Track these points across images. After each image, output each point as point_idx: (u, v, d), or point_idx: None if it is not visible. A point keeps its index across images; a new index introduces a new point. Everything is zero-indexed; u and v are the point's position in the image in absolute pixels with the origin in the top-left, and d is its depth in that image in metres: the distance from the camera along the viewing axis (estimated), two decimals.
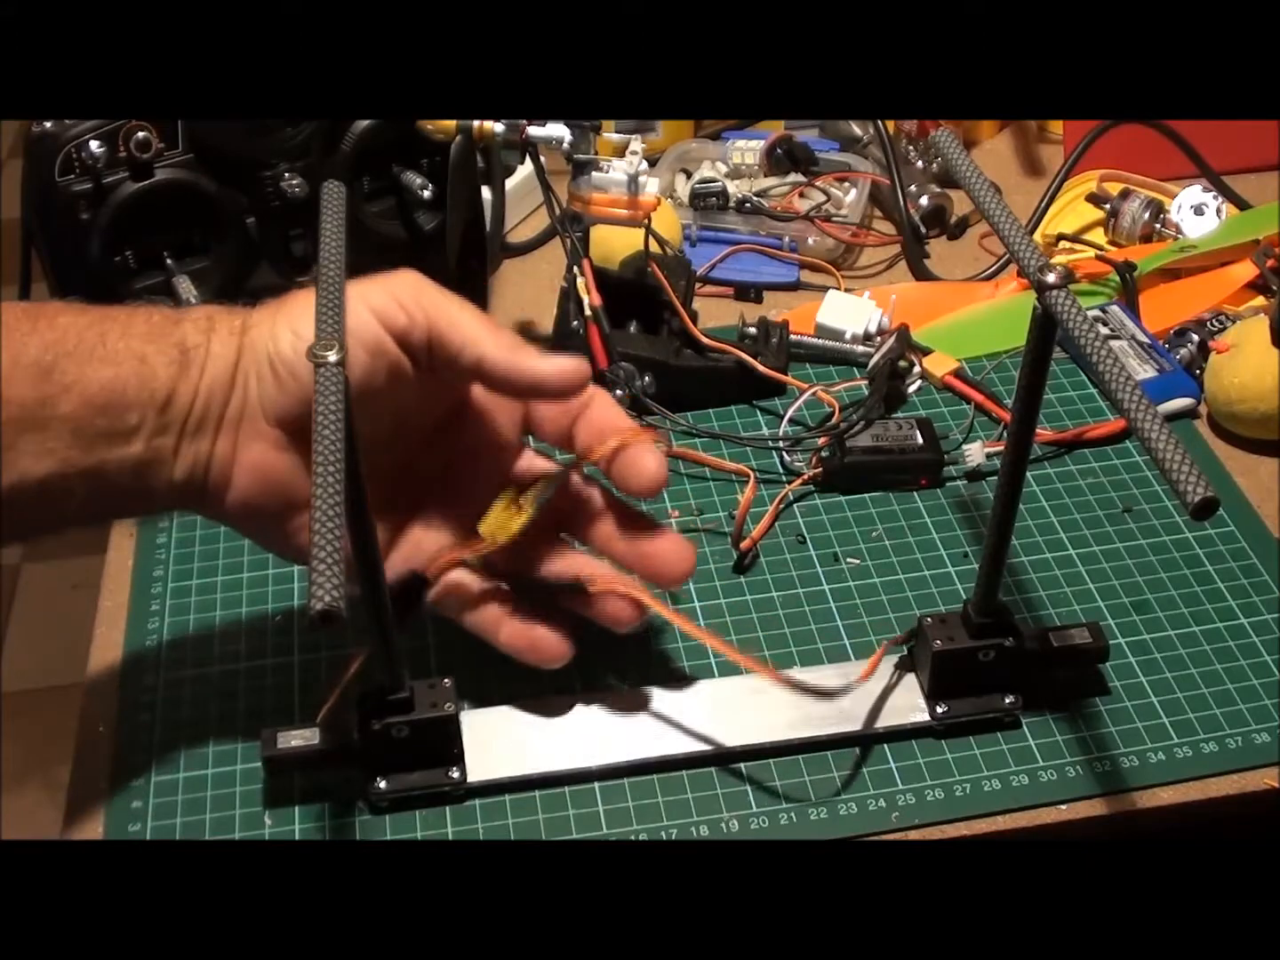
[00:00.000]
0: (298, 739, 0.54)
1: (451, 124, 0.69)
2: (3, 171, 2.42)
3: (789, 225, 0.86)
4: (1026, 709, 0.59)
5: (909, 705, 0.58)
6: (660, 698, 0.60)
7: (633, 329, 0.75)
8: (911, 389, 0.76)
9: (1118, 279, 0.81)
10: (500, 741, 0.58)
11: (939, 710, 0.58)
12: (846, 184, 0.90)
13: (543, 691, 0.60)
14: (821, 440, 0.72)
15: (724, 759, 0.58)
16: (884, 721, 0.58)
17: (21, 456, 0.47)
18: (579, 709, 0.59)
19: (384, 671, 0.53)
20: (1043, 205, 0.88)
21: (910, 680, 0.59)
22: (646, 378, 0.71)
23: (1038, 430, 0.72)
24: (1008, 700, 0.58)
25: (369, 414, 0.48)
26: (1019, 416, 0.52)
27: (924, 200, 0.89)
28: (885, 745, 0.58)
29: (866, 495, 0.70)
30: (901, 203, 0.87)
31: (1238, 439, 0.73)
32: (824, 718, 0.58)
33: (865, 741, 0.58)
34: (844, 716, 0.58)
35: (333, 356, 0.43)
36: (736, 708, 0.59)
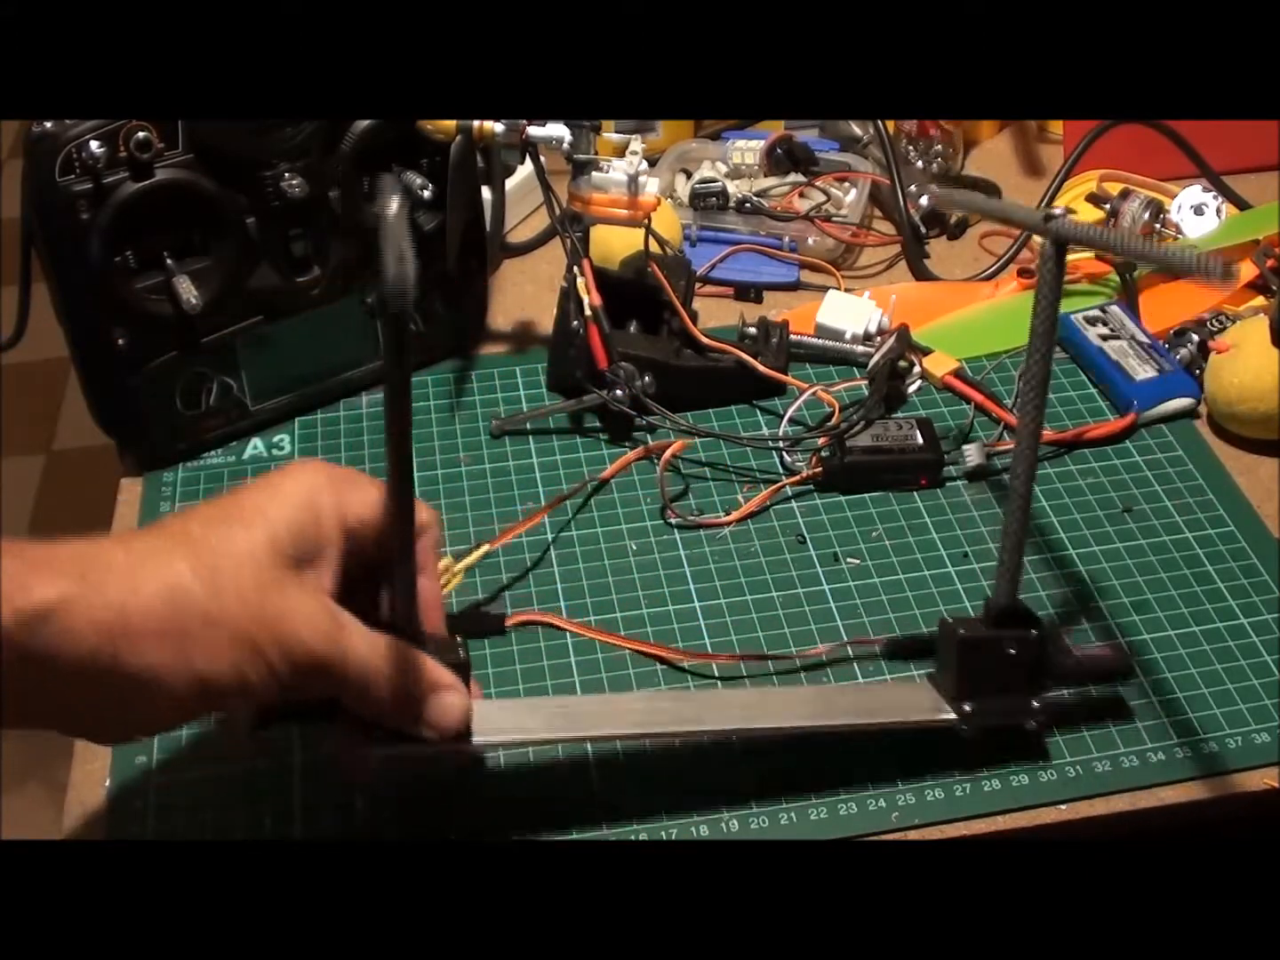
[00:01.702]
0: None
1: (451, 124, 0.69)
2: (3, 171, 2.42)
3: (789, 225, 0.86)
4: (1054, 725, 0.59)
5: (932, 706, 0.57)
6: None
7: (633, 329, 0.75)
8: (911, 389, 0.76)
9: (1118, 279, 0.81)
10: (504, 717, 0.55)
11: (965, 709, 0.56)
12: (846, 184, 0.90)
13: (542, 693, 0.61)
14: (821, 440, 0.72)
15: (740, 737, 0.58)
16: (906, 716, 0.57)
17: None
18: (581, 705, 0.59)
19: (403, 621, 0.51)
20: (1043, 205, 0.88)
21: (928, 688, 0.58)
22: (646, 378, 0.71)
23: None
24: (1035, 705, 0.57)
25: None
26: (1036, 361, 0.51)
27: (924, 200, 0.89)
28: (885, 745, 0.58)
29: (866, 495, 0.70)
30: (901, 203, 0.87)
31: (1238, 439, 0.73)
32: (845, 710, 0.57)
33: (885, 738, 0.58)
34: (864, 714, 0.57)
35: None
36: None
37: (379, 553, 0.51)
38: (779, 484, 0.71)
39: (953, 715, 0.57)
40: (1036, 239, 0.86)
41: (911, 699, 0.58)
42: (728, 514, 0.69)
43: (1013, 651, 0.56)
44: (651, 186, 0.70)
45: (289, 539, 0.48)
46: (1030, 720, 0.57)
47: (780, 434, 0.74)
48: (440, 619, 0.54)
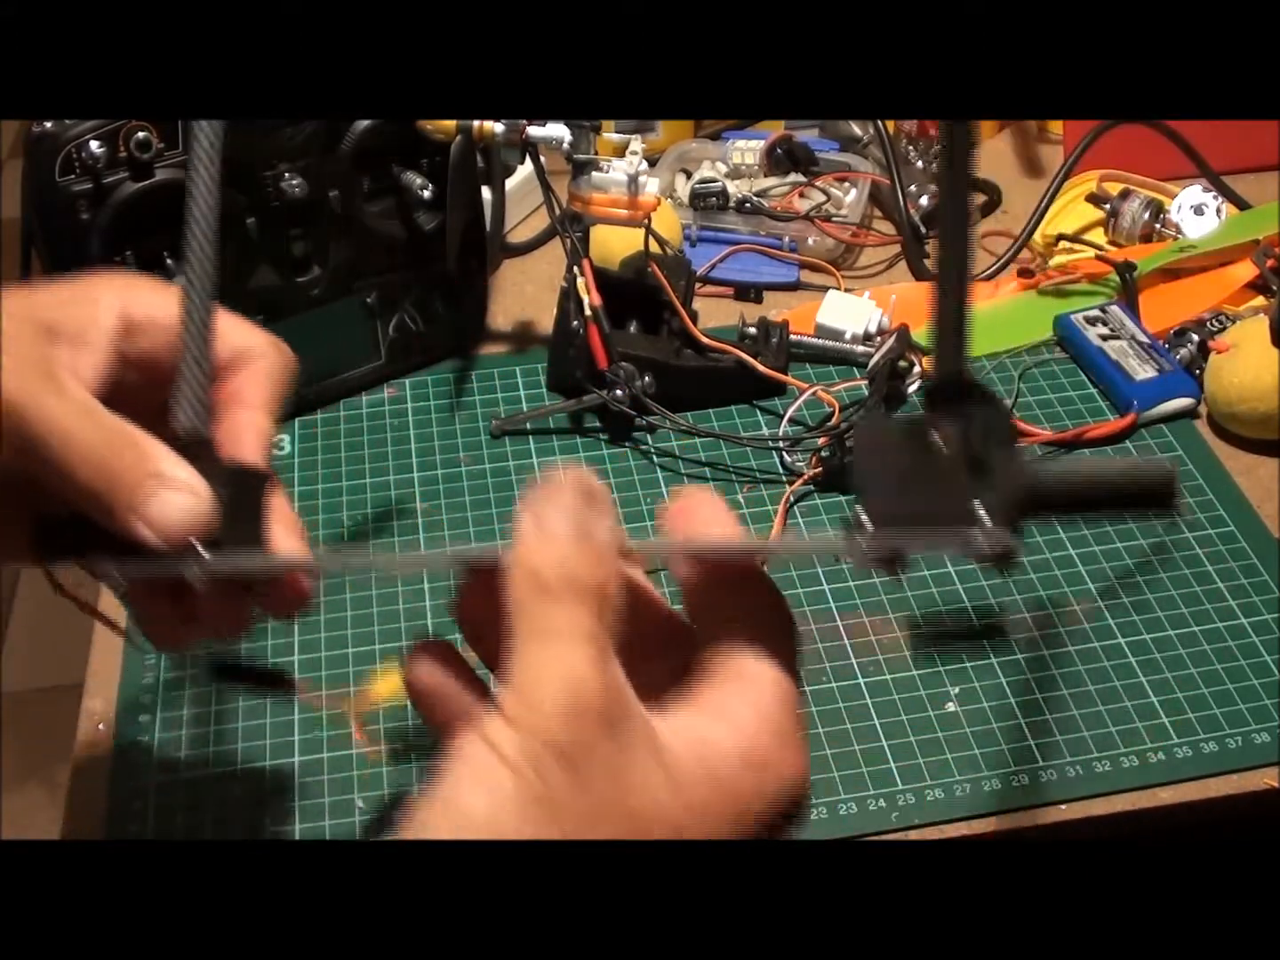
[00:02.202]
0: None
1: (451, 124, 0.69)
2: (3, 171, 2.42)
3: (789, 225, 0.86)
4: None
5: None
6: None
7: (633, 329, 0.75)
8: (911, 389, 0.76)
9: (1118, 279, 0.81)
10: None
11: (863, 522, 0.34)
12: (846, 184, 0.90)
13: None
14: (821, 440, 0.72)
15: None
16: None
17: None
18: None
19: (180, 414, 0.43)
20: (1043, 205, 0.88)
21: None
22: (646, 378, 0.72)
23: (1037, 430, 0.72)
24: (975, 507, 0.33)
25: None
26: None
27: (924, 200, 0.89)
28: (885, 744, 0.58)
29: None
30: (901, 203, 0.87)
31: (1238, 439, 0.73)
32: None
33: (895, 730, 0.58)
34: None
35: None
36: None
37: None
38: (785, 494, 0.70)
39: (840, 542, 0.36)
40: (1037, 239, 0.86)
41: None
42: None
43: (940, 441, 0.34)
44: (651, 186, 0.70)
45: (47, 303, 0.42)
46: (975, 541, 0.34)
47: (780, 434, 0.74)
48: (261, 461, 0.47)
